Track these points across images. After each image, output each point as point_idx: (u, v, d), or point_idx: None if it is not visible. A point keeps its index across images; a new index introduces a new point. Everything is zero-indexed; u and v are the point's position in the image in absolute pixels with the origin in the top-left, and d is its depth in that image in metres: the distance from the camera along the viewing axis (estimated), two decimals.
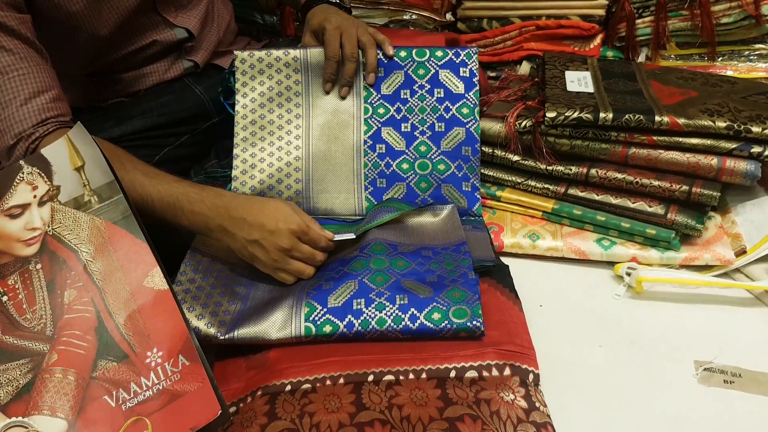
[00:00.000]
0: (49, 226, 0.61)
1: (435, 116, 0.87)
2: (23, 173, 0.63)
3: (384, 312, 0.67)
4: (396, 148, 0.86)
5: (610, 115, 0.83)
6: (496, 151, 0.91)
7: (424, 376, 0.64)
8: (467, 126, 0.87)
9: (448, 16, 1.13)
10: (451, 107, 0.87)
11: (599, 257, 0.83)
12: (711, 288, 0.77)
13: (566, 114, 0.84)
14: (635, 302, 0.77)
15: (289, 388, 0.63)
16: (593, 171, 0.85)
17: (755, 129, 0.79)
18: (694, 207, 0.82)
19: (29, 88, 0.72)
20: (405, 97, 0.87)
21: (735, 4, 1.02)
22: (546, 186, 0.88)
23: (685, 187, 0.81)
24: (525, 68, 1.10)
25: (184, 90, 0.98)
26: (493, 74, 1.13)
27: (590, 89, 0.92)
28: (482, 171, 0.93)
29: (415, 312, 0.67)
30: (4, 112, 0.72)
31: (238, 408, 0.63)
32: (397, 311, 0.67)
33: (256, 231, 0.70)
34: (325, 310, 0.68)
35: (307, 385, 0.63)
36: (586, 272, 0.83)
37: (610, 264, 0.82)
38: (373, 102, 0.87)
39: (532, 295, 0.77)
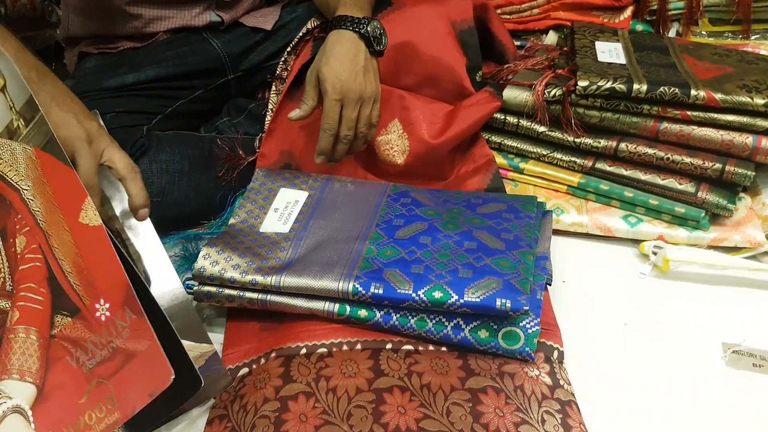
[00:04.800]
0: None
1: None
2: None
3: (435, 293, 0.60)
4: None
5: (645, 87, 0.79)
6: (521, 121, 0.87)
7: (444, 348, 0.61)
8: None
9: None
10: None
11: (625, 234, 0.80)
12: (739, 270, 0.74)
13: (599, 83, 0.81)
14: (661, 281, 0.74)
15: (304, 351, 0.60)
16: (623, 145, 0.82)
17: None
18: (725, 186, 0.79)
19: None
20: None
21: None
22: (573, 159, 0.85)
23: (718, 165, 0.78)
24: (552, 38, 1.06)
25: (201, 42, 0.94)
26: (518, 43, 1.08)
27: (622, 60, 0.88)
28: (505, 141, 0.89)
29: (461, 323, 0.60)
30: None
31: (251, 369, 0.60)
32: (446, 297, 0.59)
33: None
34: (390, 239, 0.66)
35: (323, 349, 0.60)
36: (611, 249, 0.80)
37: (636, 242, 0.80)
38: None
39: (554, 271, 0.74)
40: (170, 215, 0.83)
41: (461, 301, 0.59)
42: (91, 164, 0.59)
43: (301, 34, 0.91)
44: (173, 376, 0.48)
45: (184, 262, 0.78)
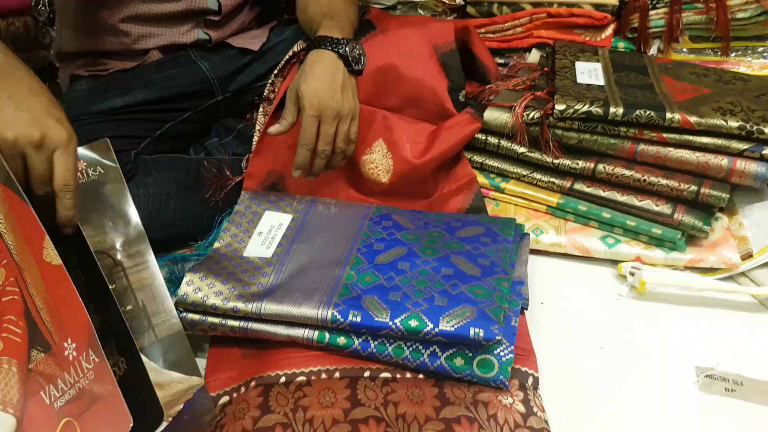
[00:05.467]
0: None
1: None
2: None
3: (411, 322, 0.61)
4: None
5: (621, 111, 0.81)
6: (502, 141, 0.89)
7: (421, 375, 0.63)
8: None
9: None
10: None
11: (603, 255, 0.82)
12: (715, 291, 0.76)
13: (576, 107, 0.82)
14: (638, 303, 0.76)
15: (283, 380, 0.62)
16: (600, 166, 0.83)
17: None
18: (701, 207, 0.80)
19: None
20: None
21: None
22: (552, 180, 0.86)
23: (693, 187, 0.79)
24: (534, 56, 1.07)
25: (189, 65, 0.95)
26: (501, 61, 1.10)
27: (601, 82, 0.89)
28: (487, 161, 0.91)
29: (437, 351, 0.62)
30: None
31: (231, 398, 0.61)
32: (422, 326, 0.61)
33: None
34: (370, 265, 0.68)
35: (302, 378, 0.62)
36: (590, 270, 0.81)
37: (614, 262, 0.81)
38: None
39: (533, 292, 0.76)
40: (157, 237, 0.83)
41: (436, 329, 0.60)
42: (43, 169, 0.55)
43: (288, 56, 0.92)
44: (131, 424, 0.49)
45: (170, 286, 0.79)
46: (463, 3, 1.11)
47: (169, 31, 0.94)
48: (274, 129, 0.77)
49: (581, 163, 0.84)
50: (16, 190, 0.51)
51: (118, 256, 0.65)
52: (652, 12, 1.06)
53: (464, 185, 0.89)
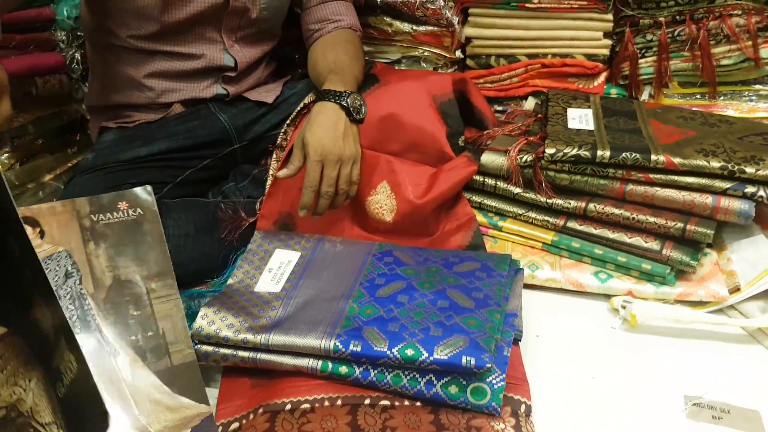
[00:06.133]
0: None
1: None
2: None
3: (408, 351, 0.65)
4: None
5: (608, 153, 0.86)
6: (498, 183, 0.94)
7: (418, 403, 0.66)
8: None
9: (458, 53, 1.18)
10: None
11: (596, 290, 0.85)
12: (705, 324, 0.79)
13: (565, 150, 0.88)
14: (629, 335, 0.79)
15: (289, 407, 0.66)
16: (591, 206, 0.88)
17: (749, 170, 0.81)
18: (689, 243, 0.84)
19: None
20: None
21: (734, 47, 1.06)
22: (546, 218, 0.91)
23: (679, 224, 0.83)
24: (530, 104, 1.14)
25: (209, 117, 1.04)
26: (499, 108, 1.17)
27: (591, 126, 0.95)
28: (485, 201, 0.96)
29: (433, 379, 0.65)
30: None
31: (241, 424, 0.66)
32: (418, 357, 0.64)
33: None
34: (371, 298, 0.73)
35: (306, 405, 0.66)
36: (583, 304, 0.85)
37: (607, 296, 0.85)
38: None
39: (529, 326, 0.79)
40: (177, 274, 0.90)
41: (431, 358, 0.64)
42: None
43: (299, 108, 1.00)
44: None
45: (188, 320, 0.85)
46: (462, 56, 1.19)
47: (190, 86, 1.03)
48: (282, 173, 0.84)
49: (573, 203, 0.89)
50: None
51: (147, 287, 0.71)
52: (641, 60, 1.13)
53: (464, 224, 0.95)
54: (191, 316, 0.85)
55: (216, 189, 1.08)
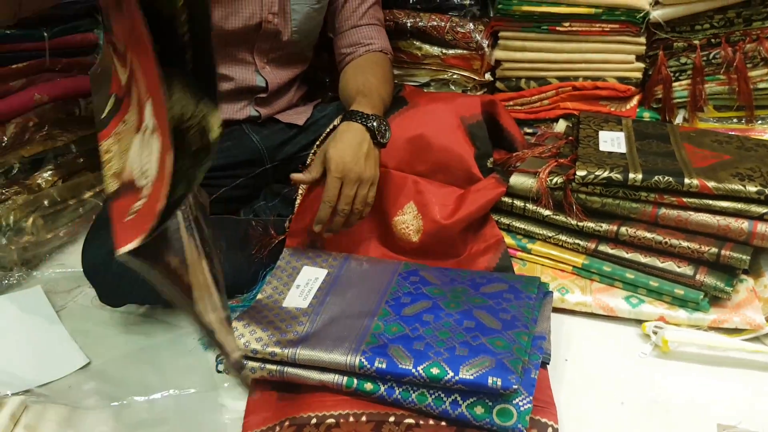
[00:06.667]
0: None
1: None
2: None
3: (433, 369, 0.65)
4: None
5: (640, 176, 0.85)
6: (528, 205, 0.94)
7: (443, 423, 0.66)
8: None
9: (487, 75, 1.19)
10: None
11: (627, 315, 0.84)
12: (739, 352, 0.76)
13: (596, 173, 0.87)
14: (661, 361, 0.77)
15: (314, 421, 0.66)
16: (623, 229, 0.87)
17: None
18: (724, 269, 0.82)
19: None
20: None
21: None
22: (576, 241, 0.90)
23: (714, 249, 0.81)
24: (561, 126, 1.14)
25: (242, 138, 1.07)
26: (529, 131, 1.17)
27: (623, 149, 0.94)
28: (513, 223, 0.96)
29: (458, 399, 0.65)
30: None
31: None
32: (442, 378, 0.64)
33: None
34: (397, 316, 0.73)
35: (331, 420, 0.66)
36: (614, 328, 0.83)
37: (638, 322, 0.83)
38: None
39: (558, 349, 0.78)
40: None
41: (456, 377, 0.64)
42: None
43: (328, 129, 1.02)
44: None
45: None
46: (492, 79, 1.20)
47: (224, 107, 1.06)
48: (297, 176, 0.86)
49: (605, 226, 0.88)
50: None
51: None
52: (675, 83, 1.12)
53: (492, 245, 0.94)
54: None
55: (248, 207, 1.10)
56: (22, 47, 1.03)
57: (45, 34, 1.06)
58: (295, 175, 0.87)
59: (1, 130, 0.98)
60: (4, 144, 0.98)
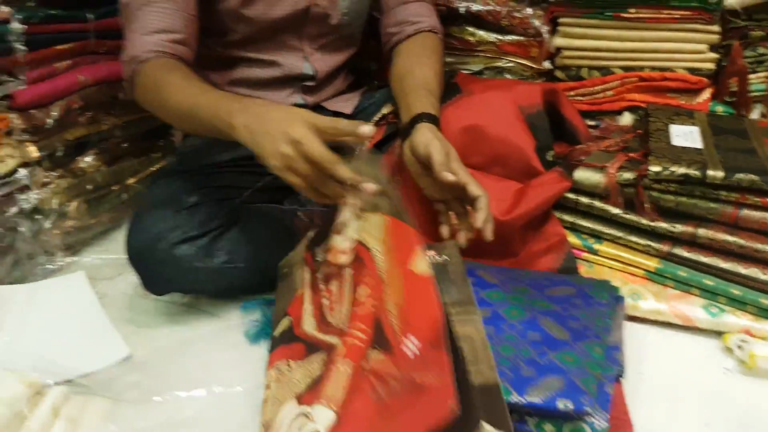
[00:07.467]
0: (358, 234, 0.69)
1: None
2: None
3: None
4: None
5: (721, 174, 0.78)
6: (594, 202, 0.87)
7: None
8: None
9: (546, 63, 1.12)
10: None
11: (706, 325, 0.77)
12: None
13: (672, 169, 0.80)
14: (747, 379, 0.71)
15: None
16: (701, 231, 0.80)
17: None
18: None
19: (157, 24, 0.83)
20: None
21: None
22: (649, 243, 0.83)
23: None
24: (627, 119, 1.06)
25: None
26: (592, 123, 1.09)
27: (698, 145, 0.87)
28: (578, 222, 0.89)
29: (526, 417, 0.60)
30: (132, 35, 0.84)
31: None
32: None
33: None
34: None
35: None
36: (693, 340, 0.77)
37: (718, 333, 0.76)
38: None
39: (630, 361, 0.72)
40: (255, 281, 0.89)
41: (524, 401, 0.59)
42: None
43: (377, 118, 0.97)
44: (456, 413, 0.51)
45: (264, 327, 0.83)
46: (551, 67, 1.13)
47: (271, 95, 1.02)
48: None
49: (680, 227, 0.81)
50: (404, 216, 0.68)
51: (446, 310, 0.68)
52: (752, 75, 1.04)
53: (554, 245, 0.88)
54: (266, 321, 0.84)
55: (292, 197, 1.06)
56: (67, 28, 1.01)
57: (90, 15, 1.04)
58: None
59: (45, 113, 0.96)
60: (48, 126, 0.96)
